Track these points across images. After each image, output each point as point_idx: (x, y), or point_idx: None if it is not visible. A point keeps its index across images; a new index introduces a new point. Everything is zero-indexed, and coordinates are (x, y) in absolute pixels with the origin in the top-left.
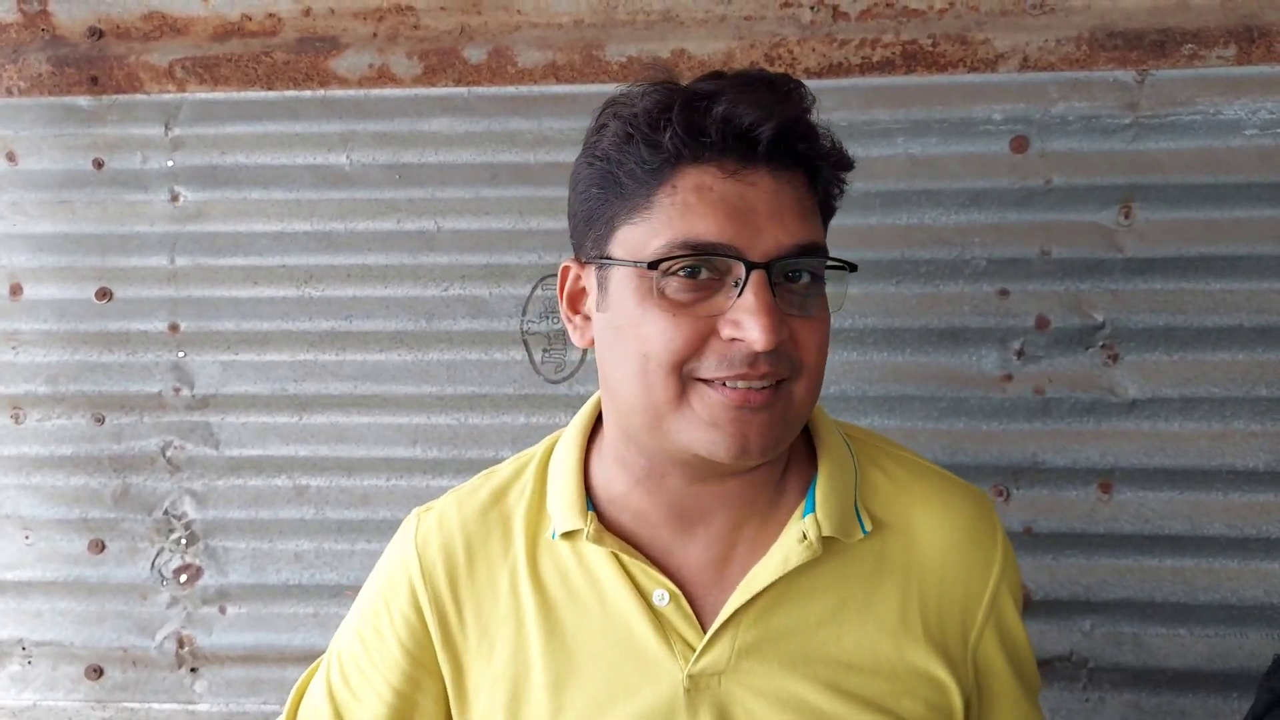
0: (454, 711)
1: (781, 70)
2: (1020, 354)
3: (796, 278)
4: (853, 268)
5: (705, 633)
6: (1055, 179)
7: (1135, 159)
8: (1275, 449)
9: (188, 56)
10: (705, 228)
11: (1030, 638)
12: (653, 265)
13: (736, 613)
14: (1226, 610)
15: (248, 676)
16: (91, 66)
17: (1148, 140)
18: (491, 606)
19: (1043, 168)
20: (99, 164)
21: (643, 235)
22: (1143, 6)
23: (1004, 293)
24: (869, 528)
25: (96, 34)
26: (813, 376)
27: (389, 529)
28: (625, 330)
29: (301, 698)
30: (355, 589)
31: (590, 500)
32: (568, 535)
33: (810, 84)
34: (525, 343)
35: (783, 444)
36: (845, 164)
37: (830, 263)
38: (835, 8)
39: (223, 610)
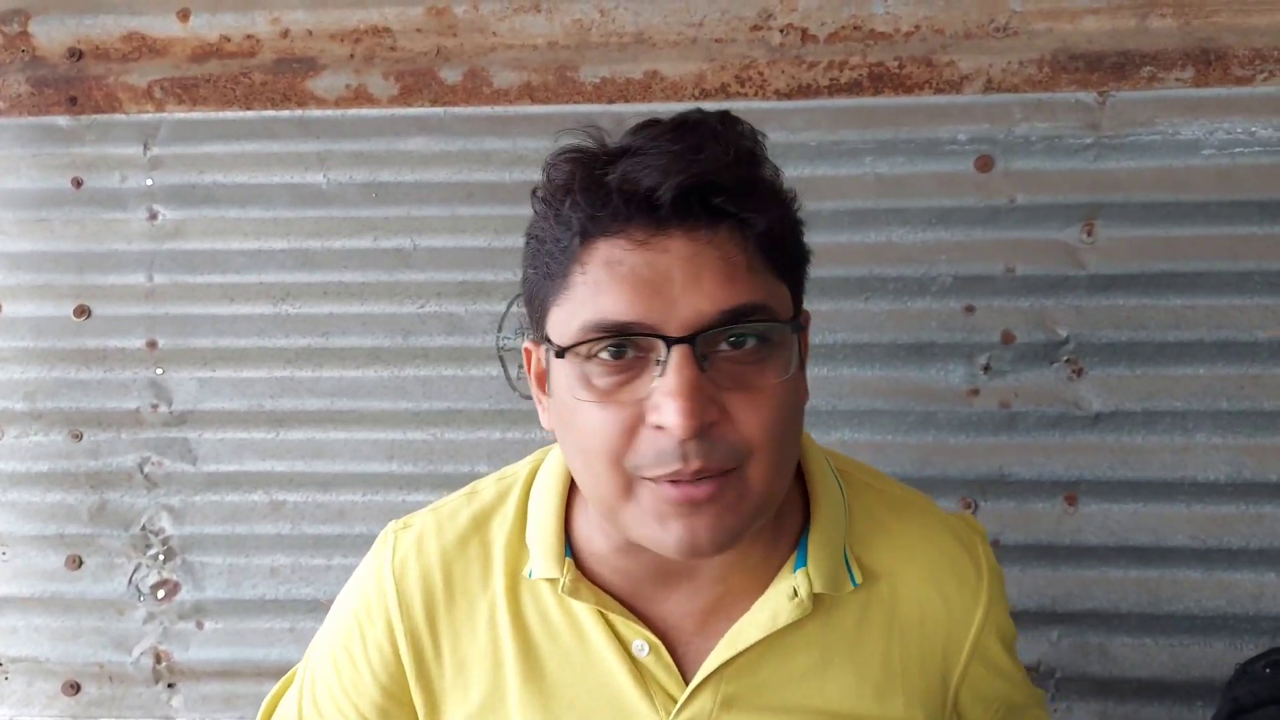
0: None
1: (751, 91)
2: (986, 369)
3: (740, 343)
4: (796, 327)
5: (687, 683)
6: (1019, 198)
7: (1097, 178)
8: (1236, 461)
9: (166, 77)
10: (613, 306)
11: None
12: (560, 354)
13: (720, 666)
14: (1190, 620)
15: (224, 691)
16: (70, 87)
17: (1109, 160)
18: (470, 641)
19: (1007, 187)
20: (78, 183)
21: (565, 318)
22: (1103, 29)
23: (970, 309)
24: (859, 580)
25: (76, 55)
26: (769, 456)
27: (365, 544)
28: (565, 419)
29: (272, 713)
30: (331, 604)
31: (570, 546)
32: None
33: (779, 105)
34: (501, 359)
35: (744, 533)
36: (779, 210)
37: (770, 323)
38: (804, 30)
39: (200, 625)
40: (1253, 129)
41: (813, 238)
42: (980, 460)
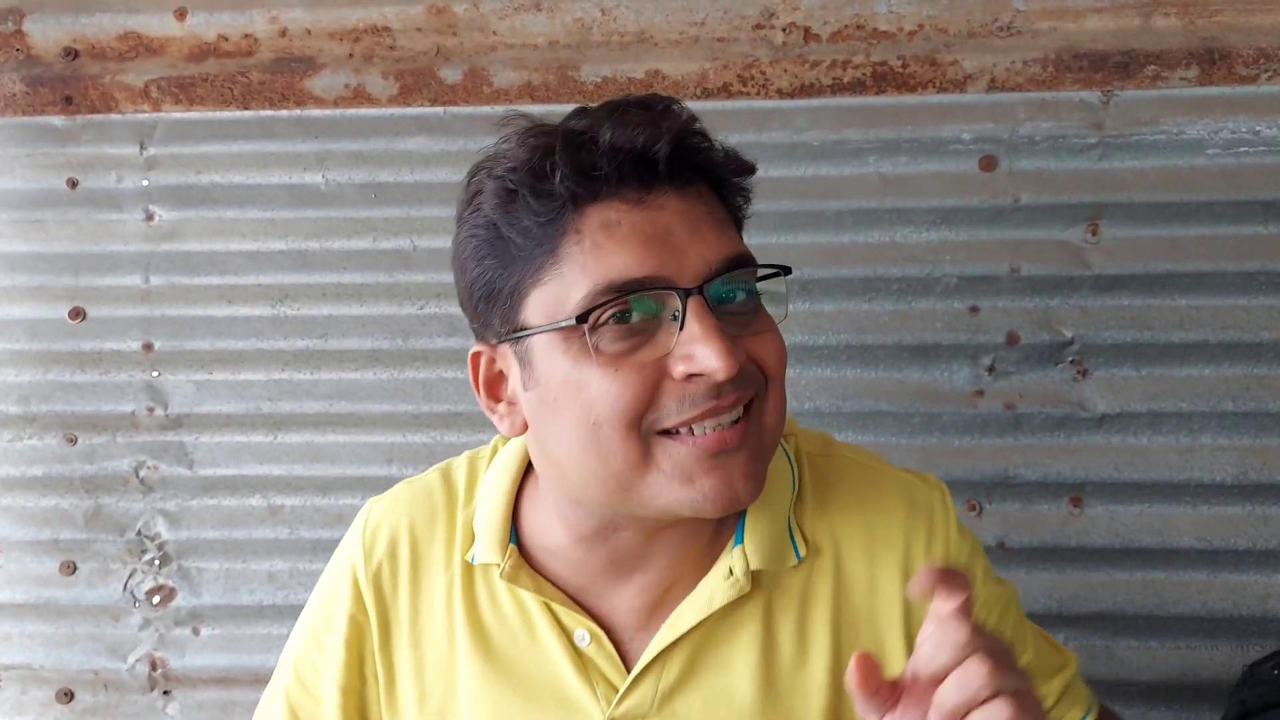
0: (384, 711)
1: (754, 90)
2: (991, 370)
3: (731, 298)
4: (786, 271)
5: (629, 674)
6: (1024, 197)
7: (1101, 178)
8: (1241, 462)
9: (163, 76)
10: (625, 264)
11: None
12: (581, 319)
13: (661, 654)
14: (1196, 622)
15: (221, 698)
16: (66, 86)
17: (1113, 159)
18: (428, 617)
19: (1011, 186)
20: (73, 183)
21: (557, 293)
22: (1106, 28)
23: (974, 309)
24: (803, 553)
25: (71, 54)
26: (779, 389)
27: None
28: (563, 401)
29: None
30: None
31: (515, 533)
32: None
33: (782, 104)
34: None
35: (765, 476)
36: (745, 169)
37: (762, 271)
38: (807, 29)
39: (196, 632)
40: (1257, 128)
41: (816, 238)
42: (985, 462)
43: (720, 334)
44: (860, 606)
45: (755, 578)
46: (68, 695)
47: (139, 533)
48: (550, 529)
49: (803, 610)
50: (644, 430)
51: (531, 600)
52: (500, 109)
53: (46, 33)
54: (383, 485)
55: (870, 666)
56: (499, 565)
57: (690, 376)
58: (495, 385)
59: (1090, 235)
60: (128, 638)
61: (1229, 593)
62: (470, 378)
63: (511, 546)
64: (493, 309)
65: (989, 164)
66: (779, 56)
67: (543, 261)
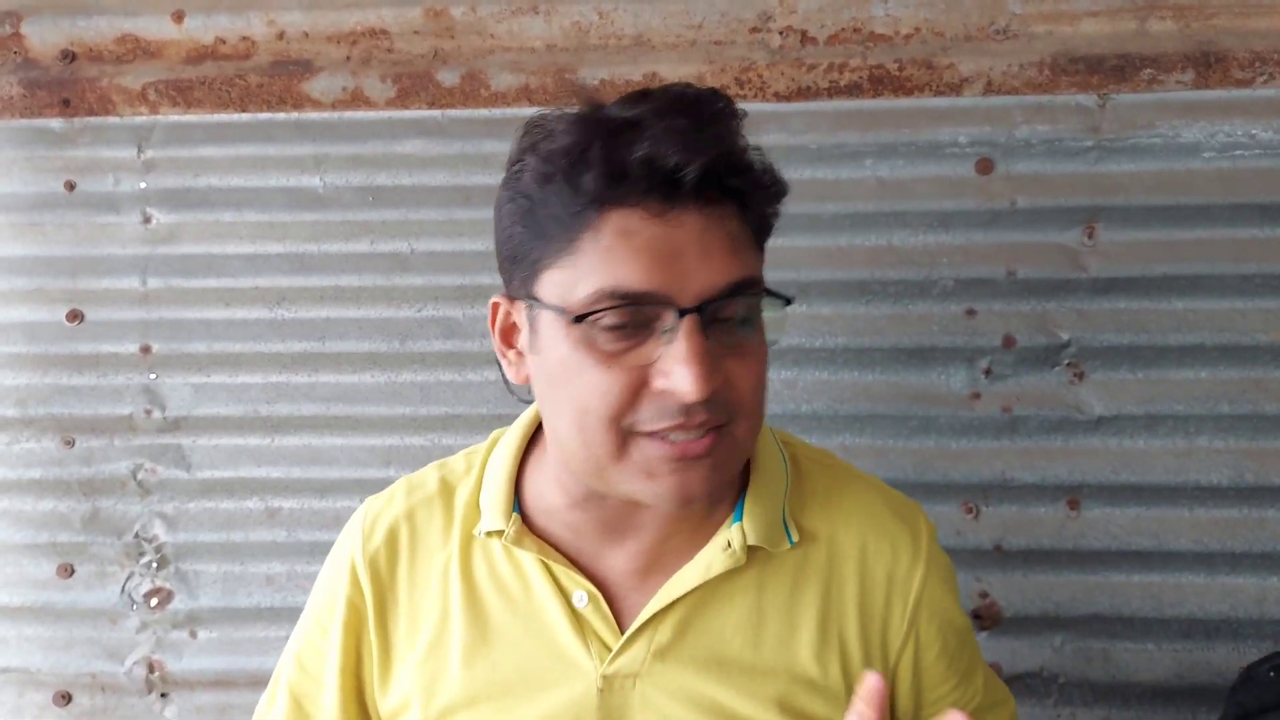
0: (376, 693)
1: (751, 93)
2: (988, 373)
3: (735, 314)
4: (788, 301)
5: (623, 634)
6: (1020, 200)
7: (1098, 181)
8: (1238, 465)
9: (161, 79)
10: (631, 276)
11: (1002, 654)
12: (579, 319)
13: (655, 616)
14: (1193, 625)
15: (219, 701)
16: (63, 89)
17: (1109, 162)
18: (424, 593)
19: (1008, 189)
20: (70, 186)
21: (568, 280)
22: (1103, 32)
23: (971, 312)
24: (796, 538)
25: (69, 57)
26: (752, 416)
27: None
28: (559, 379)
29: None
30: None
31: (519, 502)
32: (493, 534)
33: (779, 107)
34: (499, 363)
35: (726, 485)
36: (778, 192)
37: (766, 295)
38: (803, 32)
39: (193, 634)
40: (1253, 131)
41: (813, 241)
42: (982, 465)
43: (700, 360)
44: (849, 599)
45: (750, 555)
46: (65, 698)
47: (136, 535)
48: (549, 490)
49: (794, 591)
50: (624, 428)
51: (532, 566)
52: (498, 112)
53: (44, 35)
54: (380, 487)
55: (879, 693)
56: (505, 531)
57: (665, 391)
58: (509, 334)
59: (1087, 238)
60: (125, 640)
61: (1226, 595)
62: (489, 321)
63: (515, 515)
64: (515, 269)
65: (985, 167)
66: (776, 60)
67: (561, 247)
